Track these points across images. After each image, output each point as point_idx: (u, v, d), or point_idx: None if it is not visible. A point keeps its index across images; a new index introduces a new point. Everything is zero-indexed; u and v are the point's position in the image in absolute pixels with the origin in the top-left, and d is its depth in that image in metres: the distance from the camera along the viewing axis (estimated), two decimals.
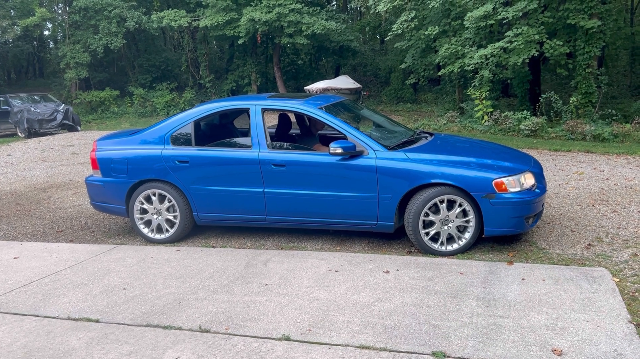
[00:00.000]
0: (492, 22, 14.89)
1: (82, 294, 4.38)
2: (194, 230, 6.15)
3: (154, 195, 5.75)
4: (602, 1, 15.17)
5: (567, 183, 7.73)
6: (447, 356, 3.21)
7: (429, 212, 5.00)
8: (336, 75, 26.91)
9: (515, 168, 5.10)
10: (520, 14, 14.33)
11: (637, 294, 4.02)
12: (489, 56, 14.70)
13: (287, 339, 3.49)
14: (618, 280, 4.27)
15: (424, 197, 4.97)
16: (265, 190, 5.40)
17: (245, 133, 6.55)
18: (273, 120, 7.07)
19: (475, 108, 15.36)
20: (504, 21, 15.16)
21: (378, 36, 33.69)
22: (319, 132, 6.50)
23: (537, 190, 5.03)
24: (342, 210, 5.25)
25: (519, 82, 18.84)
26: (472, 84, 15.89)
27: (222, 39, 26.20)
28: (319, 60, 30.92)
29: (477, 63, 15.00)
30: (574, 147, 10.99)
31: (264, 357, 3.28)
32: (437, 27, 17.04)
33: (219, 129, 6.49)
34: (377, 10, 17.68)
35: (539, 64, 19.55)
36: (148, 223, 5.86)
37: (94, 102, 24.56)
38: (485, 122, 14.70)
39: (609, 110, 15.12)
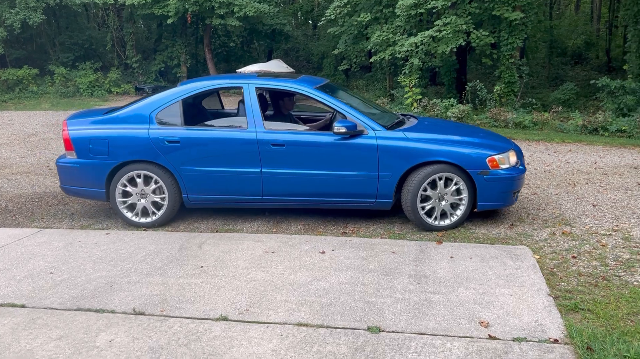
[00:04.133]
0: (422, 10, 15.23)
1: (5, 279, 4.16)
2: None
3: (139, 177, 5.44)
4: None
5: None
6: (382, 331, 3.31)
7: (427, 187, 5.18)
8: (268, 59, 26.65)
9: (502, 146, 5.45)
10: (449, 3, 14.76)
11: (555, 269, 4.30)
12: (419, 44, 15.05)
13: (225, 319, 3.48)
14: (538, 257, 4.55)
15: (422, 174, 5.15)
16: (263, 170, 5.31)
17: (226, 113, 6.47)
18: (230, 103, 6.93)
19: (405, 95, 15.72)
20: (434, 10, 15.56)
21: (310, 21, 33.64)
22: (290, 112, 6.40)
23: (521, 167, 5.41)
24: (341, 188, 5.30)
25: (446, 71, 19.43)
26: (402, 72, 16.23)
27: (149, 18, 25.23)
28: (251, 43, 30.48)
29: (408, 51, 15.32)
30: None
31: (202, 337, 3.26)
32: (369, 13, 17.24)
33: (201, 108, 6.34)
34: None
35: (465, 54, 20.24)
36: (131, 207, 5.54)
37: (10, 81, 23.02)
38: (414, 108, 15.09)
39: (530, 99, 15.92)
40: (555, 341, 3.17)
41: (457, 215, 5.29)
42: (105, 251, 4.74)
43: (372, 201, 5.35)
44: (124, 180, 5.43)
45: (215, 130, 5.47)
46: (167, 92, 5.59)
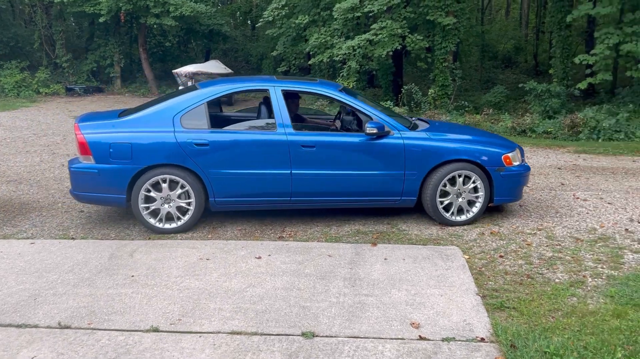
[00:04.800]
0: (358, 14, 15.46)
1: None
2: (51, 220, 5.74)
3: (164, 181, 5.24)
4: (457, 0, 16.40)
5: None
6: (316, 336, 3.33)
7: (446, 184, 5.46)
8: (206, 59, 26.27)
9: (510, 145, 5.84)
10: (385, 8, 15.04)
11: (483, 269, 4.46)
12: (356, 47, 15.27)
13: (156, 330, 3.40)
14: (468, 257, 4.71)
15: (442, 172, 5.42)
16: (293, 171, 5.30)
17: (243, 116, 6.49)
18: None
19: None
20: (370, 14, 15.81)
21: (249, 22, 33.41)
22: (296, 113, 6.41)
23: (526, 164, 5.84)
24: (369, 187, 5.45)
25: (383, 74, 19.79)
26: (341, 74, 16.41)
27: (80, 16, 24.29)
28: (189, 43, 29.93)
29: (345, 54, 15.51)
30: None
31: (131, 350, 3.17)
32: (307, 16, 17.32)
33: (220, 111, 6.33)
34: None
35: (401, 57, 20.68)
36: (154, 213, 5.32)
37: None
38: None
39: (462, 102, 16.46)
40: (482, 339, 3.28)
41: (474, 211, 5.57)
42: (29, 262, 4.52)
43: (398, 199, 5.54)
44: (147, 185, 5.24)
45: (244, 132, 5.44)
46: (189, 94, 5.48)
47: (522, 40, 30.33)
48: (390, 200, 5.56)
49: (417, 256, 4.65)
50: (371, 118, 5.47)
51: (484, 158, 5.48)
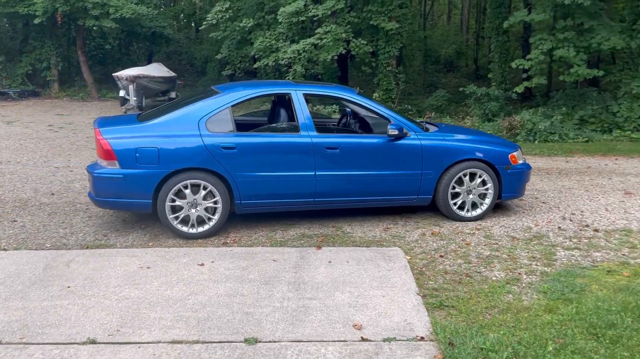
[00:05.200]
0: (303, 18, 15.53)
1: None
2: None
3: (187, 186, 5.16)
4: (399, 5, 16.73)
5: None
6: (259, 342, 3.32)
7: (456, 184, 5.76)
8: (149, 62, 25.66)
9: (512, 145, 6.25)
10: (329, 12, 15.18)
11: (424, 269, 4.56)
12: (301, 51, 15.33)
13: (93, 342, 3.29)
14: (409, 257, 4.80)
15: (453, 171, 5.71)
16: (317, 173, 5.42)
17: (258, 120, 6.60)
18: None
19: None
20: (315, 18, 15.92)
21: (193, 24, 32.93)
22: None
23: (527, 163, 6.25)
24: (388, 187, 5.67)
25: (329, 78, 19.90)
26: (286, 78, 16.42)
27: (14, 17, 23.27)
28: (130, 46, 29.20)
29: (290, 57, 15.54)
30: None
31: None
32: (251, 19, 17.25)
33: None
34: None
35: (346, 61, 20.90)
36: (181, 217, 5.23)
37: None
38: None
39: (406, 106, 16.80)
40: (422, 338, 3.36)
41: (486, 205, 5.88)
42: None
43: (414, 198, 5.78)
44: (174, 189, 5.16)
45: (270, 136, 5.56)
46: (213, 99, 5.51)
47: (463, 45, 31.23)
48: (408, 199, 5.79)
49: (361, 258, 4.70)
50: (390, 121, 5.68)
51: (494, 157, 5.82)
